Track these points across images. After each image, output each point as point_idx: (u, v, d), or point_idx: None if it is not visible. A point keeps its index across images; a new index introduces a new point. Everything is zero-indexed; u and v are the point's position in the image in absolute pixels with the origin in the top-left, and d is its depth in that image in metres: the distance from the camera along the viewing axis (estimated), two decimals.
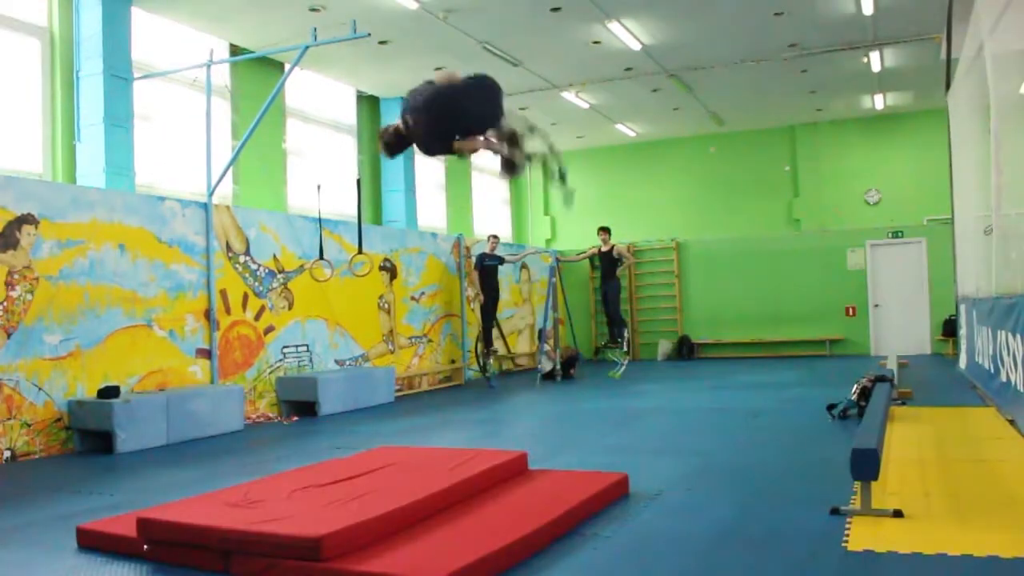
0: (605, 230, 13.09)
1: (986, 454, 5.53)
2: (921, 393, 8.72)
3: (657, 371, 13.74)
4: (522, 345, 15.18)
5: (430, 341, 12.43)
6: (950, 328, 13.68)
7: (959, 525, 3.85)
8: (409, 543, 3.51)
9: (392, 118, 13.14)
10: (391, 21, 9.96)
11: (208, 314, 8.61)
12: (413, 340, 11.99)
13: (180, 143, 9.84)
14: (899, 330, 14.73)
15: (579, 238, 17.45)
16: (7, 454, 6.72)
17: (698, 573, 3.39)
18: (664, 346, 16.14)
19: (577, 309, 15.86)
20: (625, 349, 13.01)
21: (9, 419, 6.74)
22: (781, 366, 12.02)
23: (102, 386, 7.28)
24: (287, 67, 9.24)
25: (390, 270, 11.64)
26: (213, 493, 4.58)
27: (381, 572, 3.18)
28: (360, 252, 10.05)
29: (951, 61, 10.95)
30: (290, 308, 9.75)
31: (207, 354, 8.58)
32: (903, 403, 8.07)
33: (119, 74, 8.58)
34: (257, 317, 9.28)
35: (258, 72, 10.91)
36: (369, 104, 13.36)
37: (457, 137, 4.50)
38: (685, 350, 15.89)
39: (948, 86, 11.46)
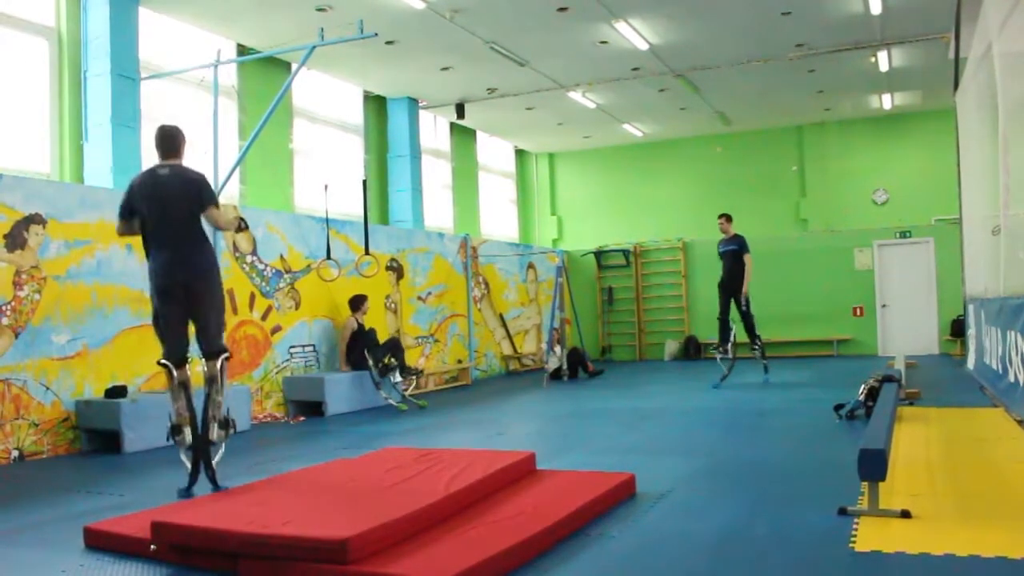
0: None
1: (994, 455, 5.51)
2: (929, 393, 8.68)
3: (664, 371, 13.72)
4: (528, 345, 15.18)
5: (436, 341, 12.43)
6: (958, 328, 13.61)
7: (967, 526, 3.83)
8: (421, 545, 3.49)
9: (398, 117, 13.36)
10: (398, 21, 9.97)
11: None
12: (420, 340, 12.00)
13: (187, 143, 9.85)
14: (907, 330, 14.67)
15: (586, 238, 17.45)
16: (15, 453, 6.75)
17: (705, 573, 3.38)
18: (671, 346, 16.12)
19: (584, 309, 15.84)
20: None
21: (17, 419, 6.77)
22: (788, 366, 12.00)
23: (109, 386, 7.31)
24: (294, 67, 9.25)
25: (397, 270, 11.65)
26: (223, 493, 4.60)
27: (402, 574, 3.14)
28: (367, 253, 10.06)
29: (959, 61, 10.92)
30: (297, 308, 9.76)
31: None
32: (911, 403, 8.03)
33: (126, 74, 8.60)
34: (264, 317, 9.30)
35: (265, 72, 10.93)
36: (376, 104, 13.37)
37: None
38: (692, 350, 15.87)
39: (956, 86, 11.42)
